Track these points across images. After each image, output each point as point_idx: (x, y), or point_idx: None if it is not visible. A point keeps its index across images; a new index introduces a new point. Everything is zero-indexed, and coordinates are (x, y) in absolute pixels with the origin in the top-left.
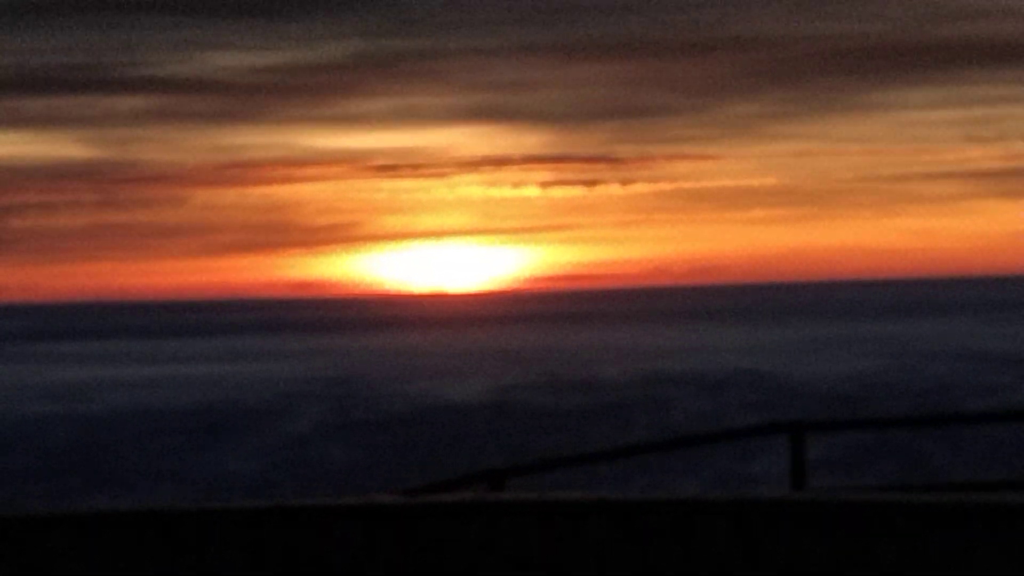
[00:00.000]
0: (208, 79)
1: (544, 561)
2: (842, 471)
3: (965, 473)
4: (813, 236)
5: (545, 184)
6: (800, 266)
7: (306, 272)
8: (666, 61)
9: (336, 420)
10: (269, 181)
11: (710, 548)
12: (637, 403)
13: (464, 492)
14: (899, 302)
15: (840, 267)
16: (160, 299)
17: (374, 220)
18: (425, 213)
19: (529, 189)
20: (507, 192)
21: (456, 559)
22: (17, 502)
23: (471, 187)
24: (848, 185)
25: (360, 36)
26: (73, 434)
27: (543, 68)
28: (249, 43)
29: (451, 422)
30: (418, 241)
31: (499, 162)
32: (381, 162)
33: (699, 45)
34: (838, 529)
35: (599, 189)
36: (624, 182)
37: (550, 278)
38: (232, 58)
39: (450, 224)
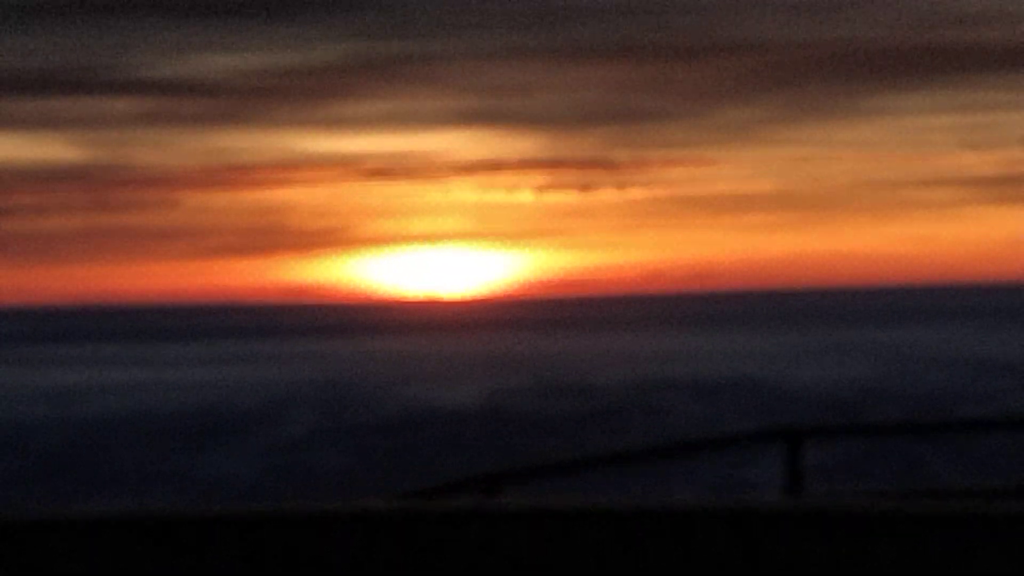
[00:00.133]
0: (201, 81)
1: (539, 567)
2: (839, 478)
3: (963, 480)
4: (810, 242)
5: (540, 188)
6: (797, 272)
7: (299, 276)
8: (662, 65)
9: (330, 424)
10: (262, 184)
11: (707, 555)
12: (633, 409)
13: (459, 497)
14: (896, 308)
15: (837, 273)
16: (153, 302)
17: (368, 224)
18: (419, 217)
19: (524, 194)
20: (502, 196)
21: (450, 565)
22: (12, 505)
23: (465, 191)
24: (845, 191)
25: (354, 39)
26: (67, 437)
27: (538, 72)
28: (242, 45)
29: (446, 427)
30: (412, 245)
31: (494, 166)
32: (375, 166)
33: (695, 49)
34: (836, 536)
35: (594, 194)
36: (620, 187)
37: (545, 283)
38: (225, 60)
39: (444, 228)
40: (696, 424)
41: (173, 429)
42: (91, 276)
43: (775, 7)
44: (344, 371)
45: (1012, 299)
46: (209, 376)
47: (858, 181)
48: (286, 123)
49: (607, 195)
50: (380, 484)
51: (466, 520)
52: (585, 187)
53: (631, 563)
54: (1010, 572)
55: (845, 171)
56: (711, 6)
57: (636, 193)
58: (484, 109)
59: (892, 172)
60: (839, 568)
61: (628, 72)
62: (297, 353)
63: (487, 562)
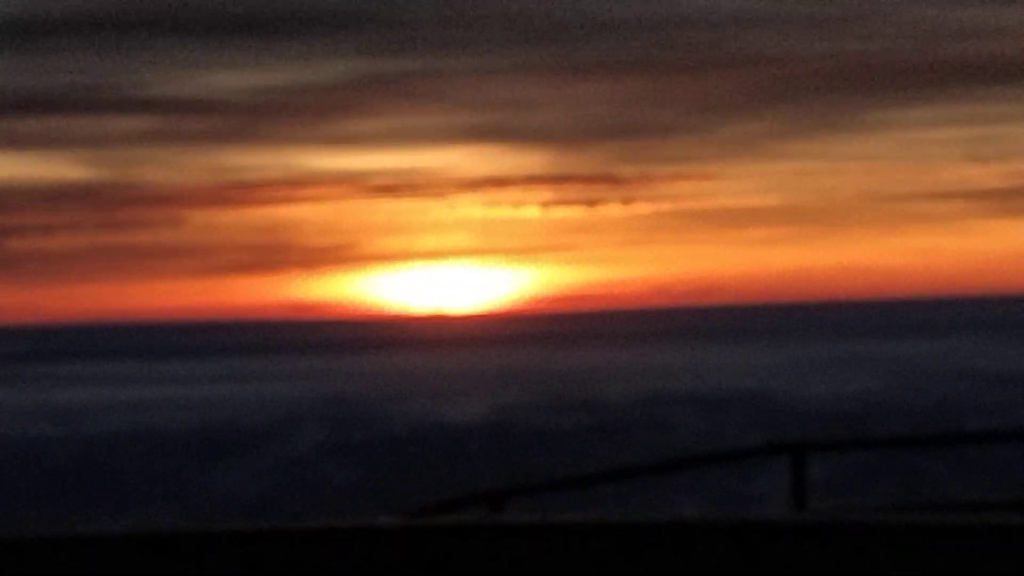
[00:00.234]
0: (207, 99)
1: None
2: (844, 491)
3: (969, 493)
4: (814, 255)
5: (546, 204)
6: (801, 285)
7: (305, 292)
8: (667, 80)
9: (336, 441)
10: (268, 202)
11: (711, 569)
12: (638, 423)
13: (464, 513)
14: (901, 321)
15: (841, 286)
16: (159, 320)
17: (374, 240)
18: (425, 233)
19: (529, 209)
20: (507, 212)
21: None
22: (17, 524)
23: (471, 207)
24: (849, 204)
25: (359, 55)
26: (73, 455)
27: (544, 87)
28: (248, 63)
29: (451, 442)
30: (418, 262)
31: (499, 182)
32: (380, 182)
33: (701, 64)
34: (840, 549)
35: (600, 209)
36: (625, 202)
37: (551, 299)
38: (231, 78)
39: (450, 244)
40: (701, 438)
41: (181, 446)
42: (98, 294)
43: (780, 22)
44: (351, 387)
45: (1017, 312)
46: (216, 393)
47: (863, 194)
48: (292, 140)
49: (613, 210)
50: (387, 500)
51: (472, 535)
52: (591, 202)
53: None
54: None
55: (850, 184)
56: (716, 21)
57: (642, 208)
58: (490, 125)
59: (897, 185)
60: None
61: (633, 87)
62: (304, 369)
63: None
